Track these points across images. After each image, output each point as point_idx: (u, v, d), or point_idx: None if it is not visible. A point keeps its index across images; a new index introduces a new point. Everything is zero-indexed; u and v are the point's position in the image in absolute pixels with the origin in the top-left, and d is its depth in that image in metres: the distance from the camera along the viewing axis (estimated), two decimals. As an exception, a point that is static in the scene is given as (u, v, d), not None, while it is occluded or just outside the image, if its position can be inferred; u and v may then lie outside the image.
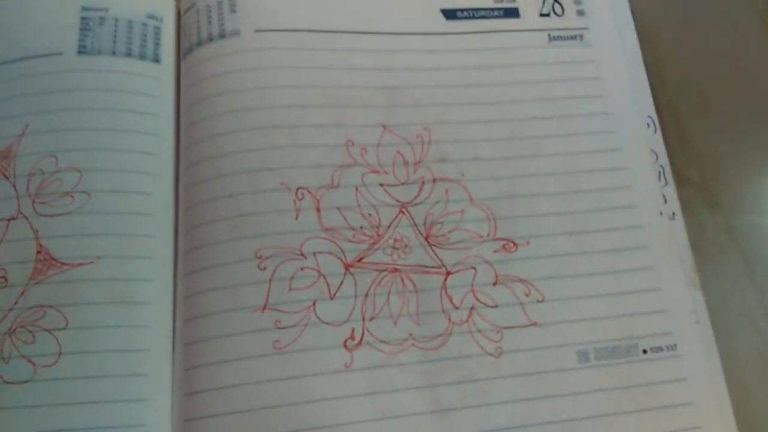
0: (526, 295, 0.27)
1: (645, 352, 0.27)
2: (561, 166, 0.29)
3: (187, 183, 0.28)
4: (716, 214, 0.31)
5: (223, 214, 0.27)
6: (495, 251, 0.28)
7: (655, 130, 0.31)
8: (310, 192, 0.28)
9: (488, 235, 0.28)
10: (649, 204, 0.29)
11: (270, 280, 0.26)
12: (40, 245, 0.27)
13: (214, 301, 0.26)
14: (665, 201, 0.30)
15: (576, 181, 0.29)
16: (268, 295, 0.26)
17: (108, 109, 0.29)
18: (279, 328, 0.26)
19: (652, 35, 0.34)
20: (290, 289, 0.26)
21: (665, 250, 0.28)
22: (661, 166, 0.31)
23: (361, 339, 0.26)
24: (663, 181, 0.30)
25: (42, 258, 0.27)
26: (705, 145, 0.33)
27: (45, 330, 0.26)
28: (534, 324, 0.27)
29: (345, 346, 0.26)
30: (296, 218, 0.27)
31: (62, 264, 0.27)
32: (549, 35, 0.32)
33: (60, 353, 0.25)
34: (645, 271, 0.28)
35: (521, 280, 0.27)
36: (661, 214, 0.29)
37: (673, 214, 0.30)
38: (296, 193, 0.28)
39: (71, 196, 0.28)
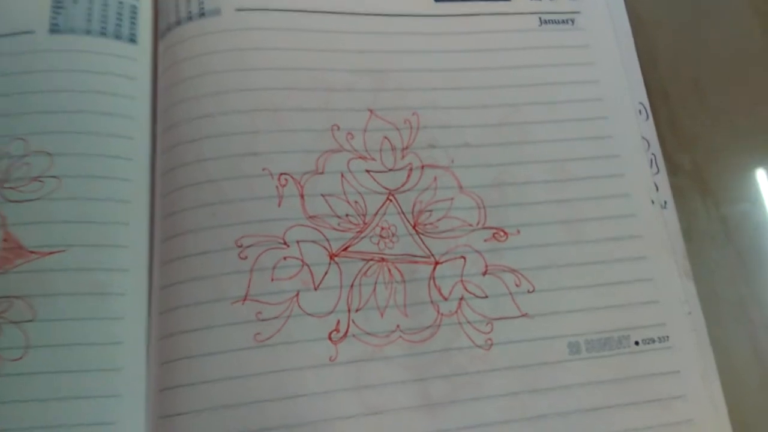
0: (517, 286, 0.26)
1: (637, 343, 0.26)
2: (552, 153, 0.29)
3: (164, 168, 0.27)
4: (708, 203, 0.31)
5: (202, 200, 0.26)
6: (485, 240, 0.27)
7: (647, 117, 0.31)
8: (293, 178, 0.27)
9: (478, 223, 0.27)
10: (642, 192, 0.29)
11: (251, 269, 0.25)
12: (8, 233, 0.25)
13: (191, 291, 0.25)
14: (657, 189, 0.29)
15: (567, 168, 0.29)
16: (249, 286, 0.25)
17: (81, 90, 0.28)
18: (260, 320, 0.25)
19: (644, 20, 0.33)
20: (272, 279, 0.25)
21: (657, 240, 0.28)
22: (653, 154, 0.30)
23: (347, 331, 0.25)
24: (655, 169, 0.30)
25: (9, 246, 0.25)
26: (697, 132, 0.32)
27: (12, 322, 0.24)
28: (524, 315, 0.26)
29: (330, 338, 0.25)
30: (279, 205, 0.26)
31: (31, 252, 0.25)
32: (540, 19, 0.31)
33: (28, 347, 0.24)
34: (637, 261, 0.27)
35: (511, 270, 0.27)
36: (653, 202, 0.29)
37: (665, 202, 0.29)
38: (279, 180, 0.26)
39: (41, 181, 0.26)
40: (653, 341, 0.26)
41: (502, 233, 0.27)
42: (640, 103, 0.31)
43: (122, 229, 0.26)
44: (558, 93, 0.30)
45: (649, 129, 0.30)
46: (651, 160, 0.30)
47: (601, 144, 0.29)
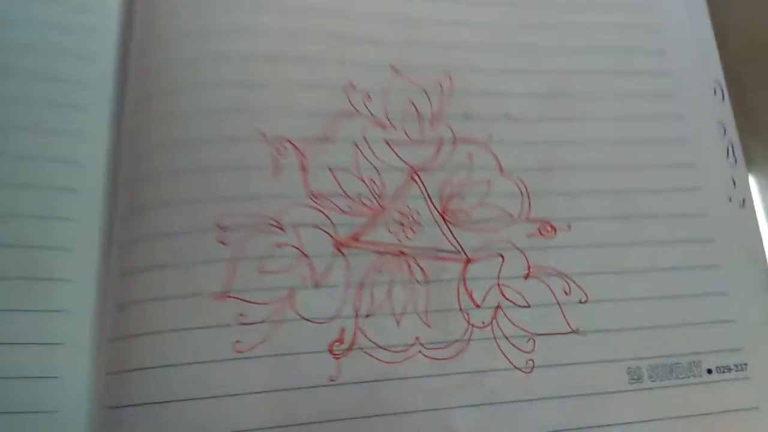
0: (566, 294, 0.21)
1: (710, 371, 0.21)
2: (611, 134, 0.24)
3: (131, 123, 0.22)
4: (786, 205, 0.25)
5: (175, 166, 0.20)
6: (528, 236, 0.22)
7: (723, 98, 0.26)
8: (294, 145, 0.21)
9: (520, 214, 0.22)
10: (716, 187, 0.24)
11: (234, 258, 0.20)
12: None
13: (156, 282, 0.19)
14: (734, 184, 0.24)
15: (628, 153, 0.24)
16: (230, 279, 0.19)
17: (26, 21, 0.22)
18: (243, 324, 0.19)
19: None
20: (261, 272, 0.20)
21: (734, 245, 0.23)
22: (730, 142, 0.25)
23: (353, 342, 0.20)
24: (732, 160, 0.25)
25: None
26: (771, 121, 0.27)
27: None
28: (575, 331, 0.21)
29: (331, 351, 0.19)
30: (274, 178, 0.21)
31: (-50, 222, 0.20)
32: (596, -27, 0.26)
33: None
34: (710, 270, 0.23)
35: (560, 274, 0.21)
36: (729, 200, 0.24)
37: (743, 200, 0.24)
38: (276, 146, 0.21)
39: (-35, 131, 0.20)
40: (729, 369, 0.21)
41: (549, 228, 0.22)
42: (716, 80, 0.26)
43: (70, 198, 0.21)
44: (619, 62, 0.25)
45: (726, 112, 0.25)
46: (728, 149, 0.25)
47: (669, 126, 0.24)
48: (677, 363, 0.21)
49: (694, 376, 0.21)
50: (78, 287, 0.20)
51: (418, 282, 0.21)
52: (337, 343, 0.20)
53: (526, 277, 0.21)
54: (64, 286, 0.20)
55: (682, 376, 0.21)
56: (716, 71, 0.26)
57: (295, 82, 0.22)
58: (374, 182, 0.21)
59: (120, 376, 0.19)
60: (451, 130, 0.22)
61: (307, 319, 0.20)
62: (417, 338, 0.20)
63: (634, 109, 0.24)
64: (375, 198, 0.21)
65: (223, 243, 0.20)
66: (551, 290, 0.21)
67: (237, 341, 0.19)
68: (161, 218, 0.20)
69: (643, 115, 0.24)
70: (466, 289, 0.21)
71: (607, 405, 0.20)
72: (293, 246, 0.20)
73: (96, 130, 0.21)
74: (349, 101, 0.22)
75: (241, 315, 0.19)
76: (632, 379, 0.21)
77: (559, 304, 0.21)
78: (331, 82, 0.22)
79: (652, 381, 0.21)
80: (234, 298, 0.19)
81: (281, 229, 0.20)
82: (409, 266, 0.21)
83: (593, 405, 0.20)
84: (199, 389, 0.19)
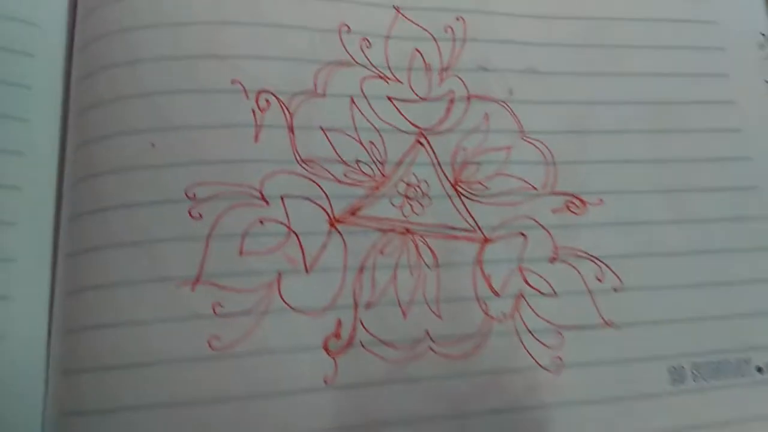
0: (599, 280, 0.18)
1: (760, 370, 0.19)
2: (652, 91, 0.21)
3: (83, 70, 0.18)
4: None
5: (135, 124, 0.17)
6: (554, 211, 0.19)
7: (770, 55, 0.22)
8: (279, 100, 0.18)
9: (545, 186, 0.19)
10: (766, 157, 0.21)
11: (208, 236, 0.16)
12: None
13: (115, 264, 0.16)
14: (785, 154, 0.21)
15: (671, 115, 0.20)
16: (203, 261, 0.16)
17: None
18: (220, 316, 0.16)
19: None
20: (241, 254, 0.16)
21: (788, 225, 0.20)
22: (780, 105, 0.22)
23: (352, 338, 0.17)
24: (780, 127, 0.21)
25: None
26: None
27: None
28: (608, 324, 0.18)
29: (326, 347, 0.16)
30: (255, 140, 0.17)
31: None
32: None
33: None
34: (762, 253, 0.20)
35: (591, 258, 0.18)
36: (781, 172, 0.21)
37: (797, 173, 0.21)
38: (257, 100, 0.17)
39: None
40: (783, 368, 0.19)
41: (578, 202, 0.19)
42: (762, 33, 0.22)
43: (13, 162, 0.17)
44: (659, 9, 0.21)
45: (773, 70, 0.22)
46: (777, 113, 0.21)
47: (716, 84, 0.21)
48: (724, 360, 0.18)
49: (743, 375, 0.18)
50: (23, 268, 0.16)
51: (427, 265, 0.17)
52: (332, 338, 0.16)
53: (552, 260, 0.18)
54: (6, 268, 0.16)
55: (730, 375, 0.18)
56: (762, 22, 0.22)
57: (278, 23, 0.18)
58: (374, 146, 0.18)
59: (74, 376, 0.16)
60: (465, 84, 0.19)
61: (296, 310, 0.16)
62: (427, 332, 0.17)
63: (676, 63, 0.21)
64: (376, 165, 0.18)
65: (194, 217, 0.16)
66: (581, 276, 0.18)
67: (213, 336, 0.16)
68: (118, 187, 0.17)
69: (686, 71, 0.21)
70: (483, 275, 0.18)
71: (646, 410, 0.18)
72: (279, 221, 0.17)
73: (46, 81, 0.18)
74: (344, 47, 0.18)
75: (217, 304, 0.16)
76: (675, 380, 0.18)
77: (590, 292, 0.18)
78: (322, 24, 0.18)
79: (696, 382, 0.18)
80: (209, 284, 0.16)
81: (265, 200, 0.17)
82: (417, 246, 0.18)
83: (630, 410, 0.17)
84: (166, 394, 0.15)
